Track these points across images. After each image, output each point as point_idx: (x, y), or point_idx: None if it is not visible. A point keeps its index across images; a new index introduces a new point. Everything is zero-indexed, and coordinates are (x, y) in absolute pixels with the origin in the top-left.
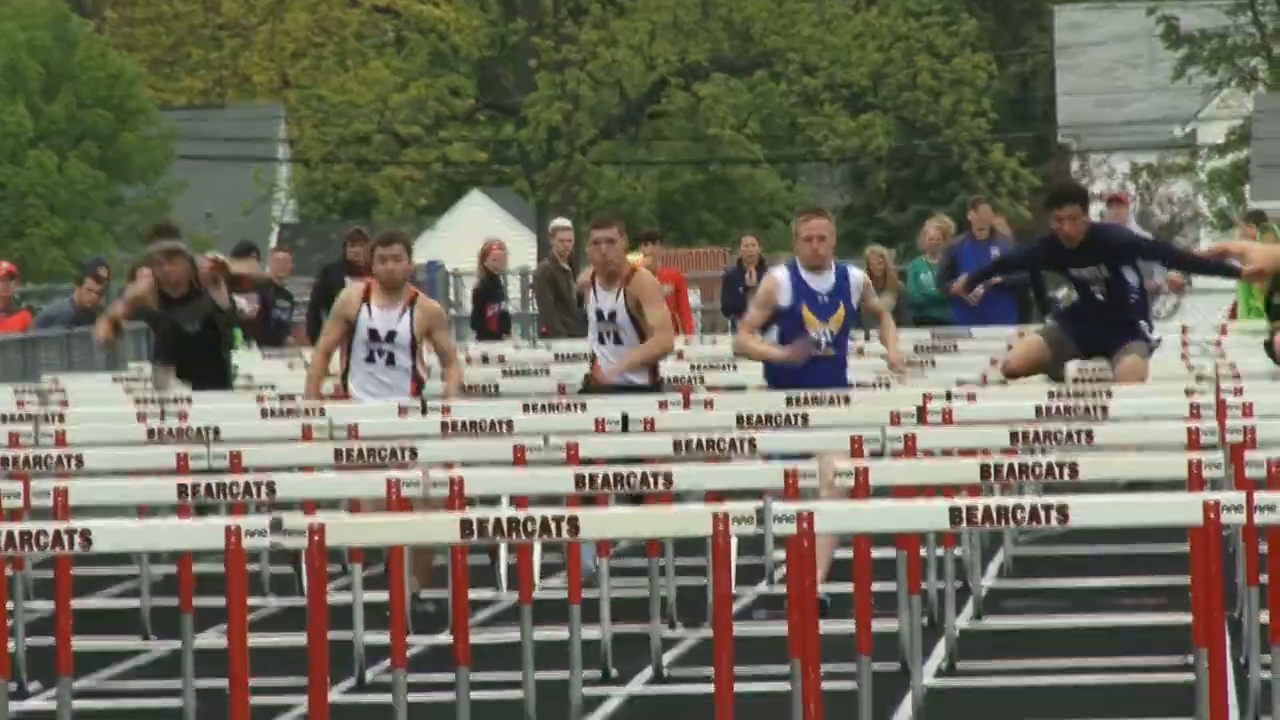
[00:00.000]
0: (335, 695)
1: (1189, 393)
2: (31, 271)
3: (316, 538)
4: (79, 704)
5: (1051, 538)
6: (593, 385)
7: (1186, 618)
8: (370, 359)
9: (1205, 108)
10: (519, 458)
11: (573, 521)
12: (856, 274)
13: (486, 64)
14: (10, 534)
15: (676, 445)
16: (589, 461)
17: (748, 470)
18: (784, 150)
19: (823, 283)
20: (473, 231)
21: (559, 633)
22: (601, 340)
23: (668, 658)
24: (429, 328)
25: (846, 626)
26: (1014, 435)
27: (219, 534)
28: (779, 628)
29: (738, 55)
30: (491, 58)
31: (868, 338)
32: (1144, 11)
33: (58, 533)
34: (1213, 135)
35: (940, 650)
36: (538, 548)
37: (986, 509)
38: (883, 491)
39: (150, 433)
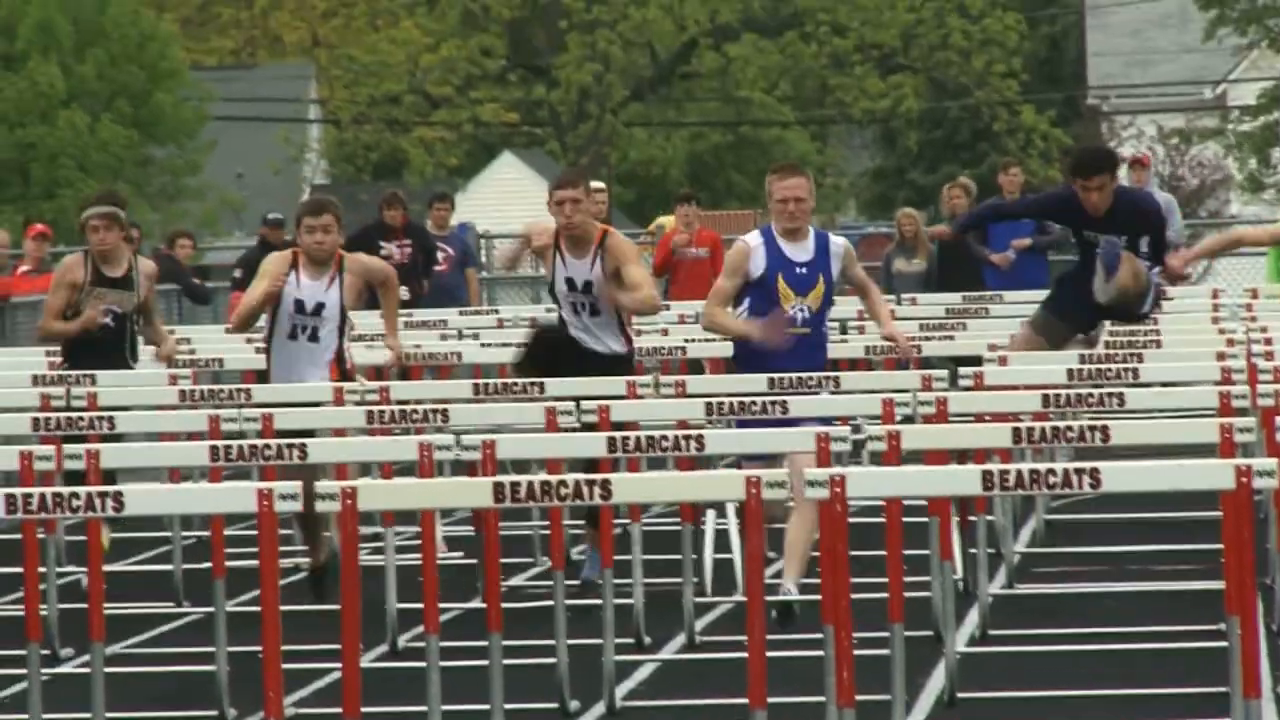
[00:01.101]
0: (368, 661)
1: (1220, 357)
2: (64, 232)
3: (349, 501)
4: (111, 669)
5: (1084, 503)
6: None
7: (1219, 584)
8: (293, 335)
9: (1235, 69)
10: (551, 422)
11: (605, 485)
12: (838, 242)
13: (517, 24)
14: (43, 497)
15: (709, 409)
16: (620, 426)
17: (780, 435)
18: (814, 112)
19: (801, 252)
20: (504, 193)
21: (591, 599)
22: (576, 311)
23: (700, 624)
24: (362, 282)
25: (880, 594)
26: (1046, 399)
27: (251, 497)
28: (813, 595)
29: (768, 15)
30: (522, 17)
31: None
32: None
33: (90, 496)
34: (1243, 97)
35: (973, 617)
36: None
37: (1019, 473)
38: (914, 457)
39: (182, 395)
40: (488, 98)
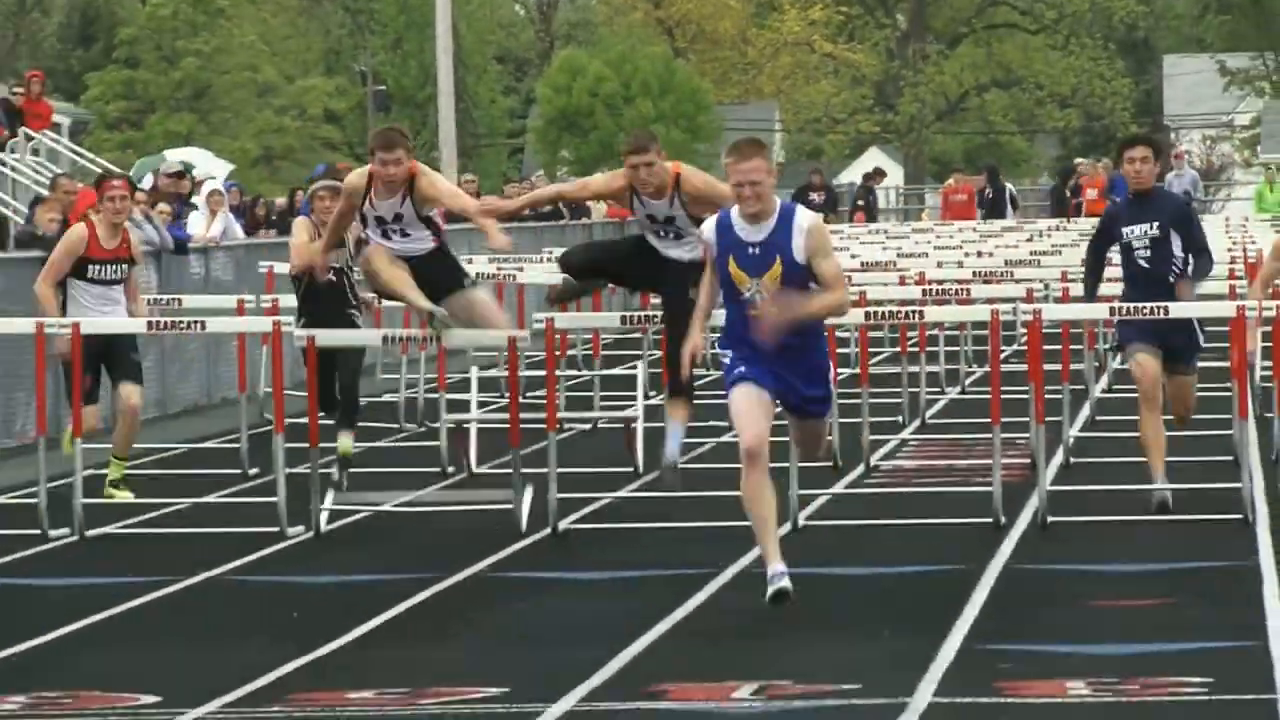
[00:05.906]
0: None
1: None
2: None
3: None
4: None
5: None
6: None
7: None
8: (385, 235)
9: (1238, 106)
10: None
11: (920, 313)
12: (804, 219)
13: (880, 83)
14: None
15: (974, 274)
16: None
17: (1007, 288)
18: (1027, 127)
19: (756, 231)
20: (870, 164)
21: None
22: (660, 235)
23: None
24: (427, 196)
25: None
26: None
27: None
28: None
29: (1004, 79)
30: (881, 80)
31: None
32: (1208, 58)
33: None
34: (1243, 120)
35: (1096, 390)
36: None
37: (1125, 308)
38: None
39: None
40: (863, 120)
